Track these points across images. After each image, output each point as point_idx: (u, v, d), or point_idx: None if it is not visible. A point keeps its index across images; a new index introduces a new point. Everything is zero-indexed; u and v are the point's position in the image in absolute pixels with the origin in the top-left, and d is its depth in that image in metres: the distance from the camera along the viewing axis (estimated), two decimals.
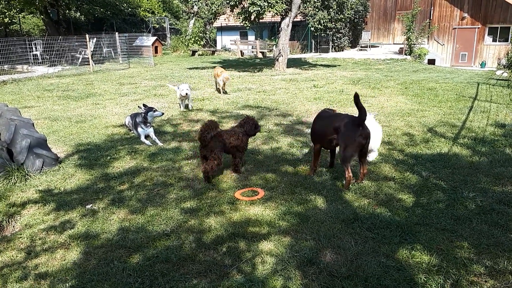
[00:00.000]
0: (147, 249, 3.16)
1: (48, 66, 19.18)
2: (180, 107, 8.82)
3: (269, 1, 14.75)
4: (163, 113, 6.55)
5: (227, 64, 21.31)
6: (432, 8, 25.36)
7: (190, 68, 18.69)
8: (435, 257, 2.92)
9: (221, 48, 31.86)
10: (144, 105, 6.48)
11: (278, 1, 15.24)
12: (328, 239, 3.19)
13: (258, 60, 24.40)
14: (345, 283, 2.65)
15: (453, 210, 3.69)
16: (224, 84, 10.75)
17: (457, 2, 24.49)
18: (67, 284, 2.74)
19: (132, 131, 6.72)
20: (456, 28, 24.76)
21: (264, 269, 2.84)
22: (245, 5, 15.87)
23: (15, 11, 22.67)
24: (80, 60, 20.14)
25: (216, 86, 11.21)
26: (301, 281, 2.69)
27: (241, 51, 28.33)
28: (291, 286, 2.64)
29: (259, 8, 14.76)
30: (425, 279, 2.67)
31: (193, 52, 27.32)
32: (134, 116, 6.62)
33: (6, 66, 17.70)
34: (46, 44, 20.54)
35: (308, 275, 2.75)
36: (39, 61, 20.61)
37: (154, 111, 6.37)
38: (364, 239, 3.19)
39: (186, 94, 8.33)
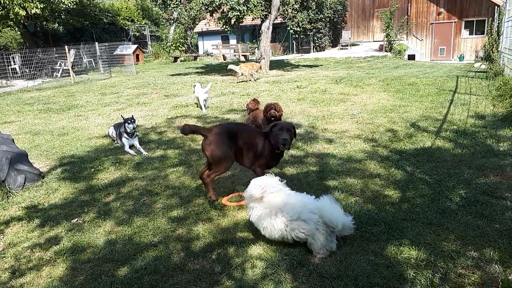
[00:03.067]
0: (135, 261, 3.12)
1: (28, 80, 18.87)
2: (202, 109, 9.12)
3: (248, 5, 14.79)
4: (134, 127, 6.23)
5: (209, 69, 21.28)
6: (409, 4, 25.75)
7: (172, 75, 18.61)
8: (423, 251, 2.94)
9: (203, 53, 31.83)
10: (121, 116, 6.42)
11: (257, 5, 15.29)
12: None
13: (241, 63, 24.42)
14: (335, 283, 2.65)
15: (438, 203, 3.73)
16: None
17: None
18: None
19: (116, 141, 6.64)
20: (433, 23, 25.19)
21: (254, 274, 2.82)
22: (225, 10, 15.89)
23: None
24: (60, 72, 19.90)
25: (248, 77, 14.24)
26: (292, 284, 2.68)
27: (223, 55, 28.34)
28: None
29: (238, 13, 14.79)
30: (414, 275, 2.69)
31: (175, 59, 27.22)
32: (117, 126, 6.55)
33: None
34: (24, 57, 20.23)
35: (299, 277, 2.75)
36: (17, 74, 20.27)
37: (130, 122, 6.21)
38: (352, 238, 3.20)
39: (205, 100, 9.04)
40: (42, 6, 19.34)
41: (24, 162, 5.06)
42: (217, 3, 14.87)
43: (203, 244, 3.30)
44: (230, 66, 14.46)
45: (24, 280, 3.01)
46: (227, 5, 14.90)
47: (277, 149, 3.92)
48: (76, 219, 3.98)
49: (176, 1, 15.91)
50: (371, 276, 2.70)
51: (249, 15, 15.41)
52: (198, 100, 9.35)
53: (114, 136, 6.65)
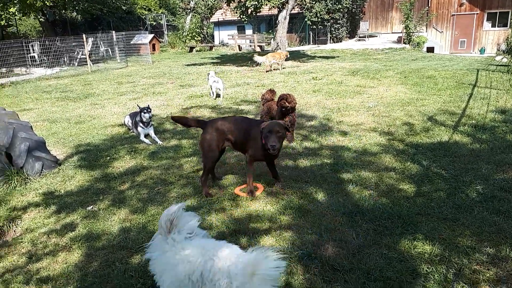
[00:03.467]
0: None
1: (46, 68, 19.15)
2: (212, 95, 9.44)
3: None
4: (150, 117, 6.29)
5: (225, 59, 21.23)
6: None
7: (188, 65, 18.63)
8: (437, 246, 2.90)
9: (219, 43, 31.75)
10: (137, 105, 6.48)
11: None
12: (329, 232, 3.18)
13: (257, 54, 24.29)
14: (347, 276, 2.64)
15: (454, 198, 3.67)
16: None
17: None
18: (70, 287, 2.74)
19: (131, 130, 6.70)
20: (454, 14, 24.57)
21: None
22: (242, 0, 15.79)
23: (14, 11, 22.56)
24: (77, 60, 20.11)
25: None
26: (303, 276, 2.68)
27: (239, 46, 28.21)
28: (294, 281, 2.63)
29: (256, 2, 14.68)
30: (427, 270, 2.66)
31: (191, 48, 27.22)
32: (133, 115, 6.60)
33: (4, 69, 17.69)
34: (43, 46, 20.51)
35: (311, 269, 2.74)
36: (36, 63, 20.59)
37: (146, 112, 6.25)
38: (365, 231, 3.18)
39: (219, 89, 9.25)
40: None
41: (41, 149, 5.15)
42: None
43: (215, 233, 3.31)
44: (256, 58, 14.42)
45: (41, 265, 3.08)
46: None
47: (267, 150, 3.78)
48: (92, 207, 4.05)
49: None
50: (384, 270, 2.68)
51: (267, 4, 15.27)
52: (211, 88, 9.40)
53: (130, 125, 6.71)
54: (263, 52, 24.44)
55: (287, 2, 16.40)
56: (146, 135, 6.31)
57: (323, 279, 2.65)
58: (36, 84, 14.46)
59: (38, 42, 21.53)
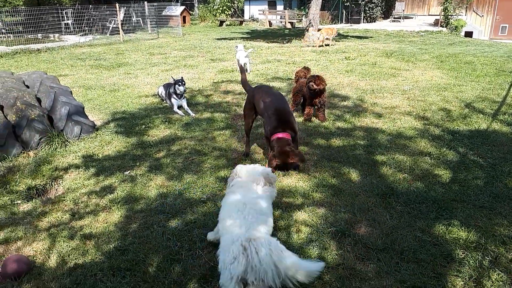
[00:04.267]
0: (185, 214, 3.26)
1: (80, 35, 19.46)
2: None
3: None
4: (184, 89, 6.35)
5: (255, 35, 21.02)
6: None
7: (218, 39, 18.55)
8: (473, 233, 2.89)
9: (249, 18, 31.37)
10: (172, 77, 6.56)
11: None
12: (363, 212, 3.20)
13: (287, 30, 23.91)
14: (380, 255, 2.67)
15: (492, 187, 3.61)
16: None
17: None
18: (111, 246, 2.88)
19: (165, 101, 6.81)
20: None
21: (299, 238, 2.89)
22: None
23: None
24: (110, 29, 20.31)
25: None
26: (337, 252, 2.73)
27: (269, 22, 27.81)
28: (327, 256, 2.68)
29: None
30: (462, 255, 2.66)
31: (221, 22, 27.02)
32: (167, 87, 6.69)
33: (39, 35, 18.08)
34: (77, 13, 20.78)
35: (343, 246, 2.79)
36: (70, 30, 20.92)
37: (180, 84, 6.32)
38: (399, 214, 3.19)
39: (245, 63, 9.15)
40: None
41: (80, 114, 5.31)
42: None
43: None
44: (311, 32, 14.98)
45: (83, 222, 3.23)
46: None
47: None
48: (129, 171, 4.18)
49: None
50: (418, 252, 2.69)
51: None
52: (238, 62, 9.39)
53: (164, 96, 6.81)
54: (300, 28, 24.09)
55: None
56: (179, 107, 6.40)
57: (356, 256, 2.69)
58: (70, 51, 14.74)
59: (72, 9, 21.83)
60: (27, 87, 5.18)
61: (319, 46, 14.50)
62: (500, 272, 2.50)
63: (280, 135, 3.84)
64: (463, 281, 2.44)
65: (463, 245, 2.77)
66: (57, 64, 11.66)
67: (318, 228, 3.00)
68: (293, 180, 3.83)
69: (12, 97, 4.76)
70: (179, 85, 6.30)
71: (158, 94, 7.10)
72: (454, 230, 2.94)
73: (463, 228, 2.96)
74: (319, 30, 15.29)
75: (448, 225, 3.00)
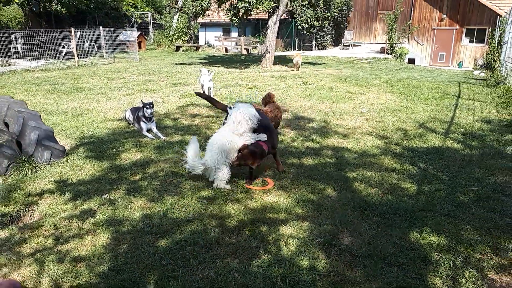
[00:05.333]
0: (173, 234, 3.32)
1: (31, 60, 18.80)
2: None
3: None
4: (152, 112, 6.36)
5: (213, 60, 21.38)
6: (412, 9, 26.06)
7: (177, 64, 18.67)
8: (443, 238, 3.19)
9: (205, 44, 31.85)
10: (141, 100, 6.59)
11: None
12: (343, 224, 3.42)
13: (244, 57, 24.54)
14: (366, 261, 2.88)
15: (453, 197, 3.98)
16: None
17: (437, 3, 25.26)
18: (104, 267, 2.88)
19: (132, 125, 6.79)
20: (435, 29, 25.54)
21: (289, 250, 3.04)
22: (234, 2, 16.00)
23: None
24: (63, 54, 19.82)
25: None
26: (326, 260, 2.91)
27: (225, 48, 28.41)
28: (317, 265, 2.85)
29: (247, 5, 14.92)
30: (437, 257, 2.93)
31: (177, 48, 27.23)
32: (135, 110, 6.70)
33: None
34: (27, 37, 20.12)
35: (331, 255, 2.97)
36: (19, 54, 20.17)
37: (148, 107, 6.34)
38: (376, 224, 3.44)
39: (209, 87, 9.35)
40: None
41: (50, 138, 5.20)
42: None
43: (236, 221, 3.50)
44: (292, 56, 16.83)
45: (69, 246, 3.19)
46: None
47: None
48: (107, 195, 4.16)
49: None
50: (398, 257, 2.93)
51: (258, 8, 15.55)
52: (202, 87, 9.56)
53: (131, 119, 6.80)
54: (256, 55, 24.74)
55: (278, 8, 16.73)
56: (148, 130, 6.42)
57: (344, 263, 2.88)
58: (22, 76, 14.22)
59: (22, 33, 21.12)
60: None
61: (297, 69, 16.14)
62: (472, 270, 2.79)
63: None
64: (441, 279, 2.70)
65: (436, 248, 3.06)
66: (10, 89, 11.21)
67: (305, 240, 3.17)
68: (274, 197, 4.00)
69: None
70: (147, 108, 6.34)
71: (125, 118, 7.07)
72: (427, 236, 3.22)
73: (434, 234, 3.26)
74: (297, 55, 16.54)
75: (421, 232, 3.29)
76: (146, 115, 6.35)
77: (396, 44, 23.52)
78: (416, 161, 5.02)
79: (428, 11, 25.65)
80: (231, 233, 3.31)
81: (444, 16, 25.06)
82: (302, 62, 17.60)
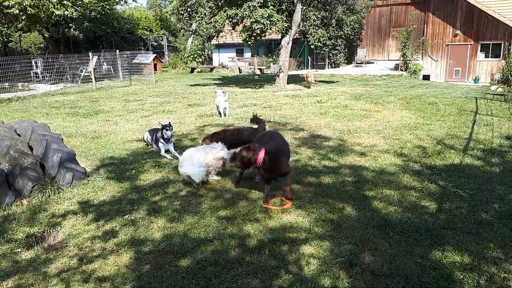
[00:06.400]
0: (194, 253, 3.35)
1: (50, 84, 19.37)
2: (220, 115, 9.76)
3: (272, 19, 15.19)
4: (171, 134, 6.51)
5: (227, 81, 21.68)
6: (425, 25, 26.10)
7: (192, 85, 18.99)
8: (466, 257, 3.15)
9: (219, 65, 32.36)
10: (159, 122, 6.74)
11: (280, 19, 15.70)
12: (364, 243, 3.41)
13: (257, 76, 24.83)
14: (388, 280, 2.86)
15: (474, 215, 3.93)
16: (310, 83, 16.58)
17: (450, 19, 25.27)
18: (128, 286, 2.92)
19: (151, 146, 6.92)
20: (449, 44, 25.48)
21: (310, 270, 3.04)
22: (247, 23, 16.31)
23: (16, 29, 23.02)
24: (81, 77, 20.39)
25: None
26: (347, 280, 2.90)
27: (239, 68, 28.80)
28: (339, 284, 2.85)
29: (262, 26, 15.18)
30: (461, 276, 2.89)
31: (192, 69, 27.72)
32: (153, 132, 6.83)
33: (6, 84, 17.88)
34: (46, 62, 20.80)
35: (353, 275, 2.96)
36: (39, 78, 20.82)
37: (168, 129, 6.48)
38: (397, 242, 3.42)
39: (225, 108, 9.62)
40: (73, 10, 20.08)
41: (72, 160, 5.34)
42: (241, 15, 15.29)
43: (255, 241, 3.52)
44: (307, 75, 17.13)
45: (93, 266, 3.25)
46: (250, 18, 15.31)
47: None
48: (128, 216, 4.23)
49: (201, 13, 16.35)
50: (421, 276, 2.91)
51: (271, 28, 15.81)
52: (218, 108, 9.71)
53: (149, 140, 6.93)
54: (269, 74, 25.00)
55: (291, 28, 16.98)
56: (167, 151, 6.53)
57: (365, 283, 2.86)
58: (43, 100, 14.64)
59: (42, 59, 21.84)
60: (19, 135, 5.21)
61: (310, 87, 16.59)
62: None
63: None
64: None
65: (459, 267, 3.02)
66: (31, 113, 11.55)
67: (326, 260, 3.17)
68: (293, 217, 4.02)
69: (5, 145, 4.77)
70: (167, 130, 6.46)
71: (144, 139, 7.21)
72: (449, 255, 3.19)
73: (456, 252, 3.22)
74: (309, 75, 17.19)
75: (443, 250, 3.26)
76: (165, 136, 6.46)
77: (410, 60, 23.52)
78: (435, 178, 4.98)
79: (442, 27, 25.65)
80: (251, 253, 3.33)
81: (458, 31, 25.02)
82: (315, 80, 17.77)
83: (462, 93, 14.68)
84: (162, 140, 6.50)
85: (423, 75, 23.77)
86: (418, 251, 3.26)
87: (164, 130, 6.47)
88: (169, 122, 6.69)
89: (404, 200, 4.34)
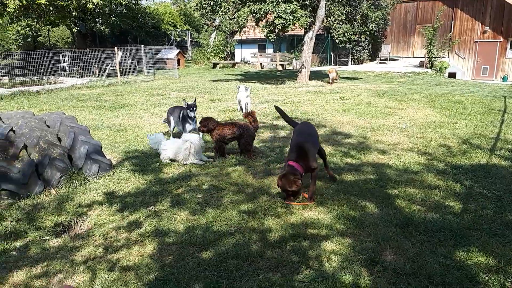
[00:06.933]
0: (216, 246, 3.40)
1: (77, 78, 19.84)
2: (242, 111, 9.69)
3: (295, 14, 15.11)
4: (195, 116, 6.75)
5: (249, 77, 21.71)
6: (453, 21, 25.47)
7: (214, 81, 19.11)
8: (492, 258, 3.09)
9: (241, 61, 32.42)
10: (184, 100, 7.03)
11: (303, 15, 15.60)
12: (386, 241, 3.38)
13: (279, 72, 24.76)
14: (410, 279, 2.84)
15: (501, 216, 3.84)
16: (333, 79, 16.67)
17: (479, 16, 24.58)
18: (151, 276, 2.99)
19: (174, 127, 7.08)
20: (477, 41, 24.80)
21: (331, 266, 3.05)
22: (270, 19, 16.28)
23: (46, 24, 23.64)
24: (107, 71, 20.80)
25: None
26: (369, 277, 2.89)
27: (261, 64, 28.79)
28: (360, 281, 2.84)
29: (284, 21, 15.12)
30: (486, 278, 2.84)
31: (214, 65, 27.88)
32: (177, 110, 7.06)
33: (35, 77, 18.43)
34: (73, 56, 21.31)
35: (374, 272, 2.95)
36: (66, 72, 21.35)
37: (191, 110, 6.66)
38: (420, 242, 3.38)
39: (247, 103, 9.61)
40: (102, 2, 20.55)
41: (98, 152, 5.47)
42: (264, 10, 15.26)
43: (276, 236, 3.54)
44: (328, 71, 17.42)
45: (118, 256, 3.34)
46: (273, 13, 15.26)
47: None
48: (152, 207, 4.32)
49: (225, 8, 16.41)
50: (444, 276, 2.87)
51: (295, 24, 15.72)
52: (240, 103, 9.76)
53: (173, 120, 7.10)
54: (291, 71, 24.92)
55: (314, 23, 16.85)
56: (191, 131, 6.66)
57: (387, 281, 2.85)
58: (69, 93, 15.01)
59: (69, 53, 22.39)
60: (48, 127, 5.37)
61: (332, 83, 16.83)
62: None
63: (291, 162, 4.24)
64: None
65: (484, 269, 2.96)
66: (59, 105, 11.87)
67: (347, 257, 3.16)
68: (314, 213, 4.02)
69: (35, 136, 4.93)
70: (191, 110, 6.60)
71: (168, 120, 7.32)
72: (474, 256, 3.13)
73: (481, 253, 3.16)
74: (332, 70, 17.33)
75: (467, 251, 3.20)
76: (190, 115, 6.60)
77: (435, 58, 22.98)
78: (460, 178, 4.88)
79: (470, 24, 24.98)
80: (272, 247, 3.35)
81: (487, 28, 24.31)
82: (338, 77, 17.61)
83: (490, 91, 14.27)
84: (189, 120, 6.64)
85: (449, 73, 23.22)
86: (442, 251, 3.21)
87: (188, 110, 6.61)
88: (195, 100, 6.83)
89: (428, 199, 4.27)
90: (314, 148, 4.55)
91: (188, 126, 6.62)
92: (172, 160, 5.87)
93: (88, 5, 19.85)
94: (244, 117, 6.28)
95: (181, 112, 6.85)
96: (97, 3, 20.37)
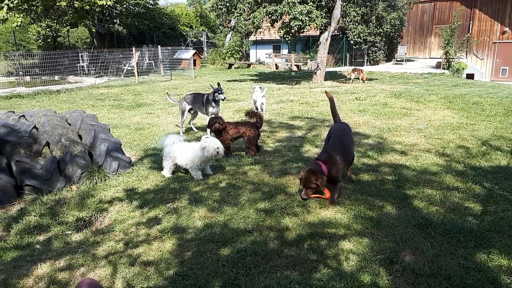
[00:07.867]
0: (234, 243, 3.43)
1: (96, 77, 20.17)
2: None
3: (311, 15, 15.09)
4: (224, 97, 7.11)
5: (264, 77, 21.74)
6: (471, 22, 25.08)
7: (229, 81, 19.19)
8: None
9: (256, 61, 32.48)
10: (211, 85, 7.32)
11: (319, 16, 15.56)
12: (405, 242, 3.37)
13: (294, 73, 24.72)
14: (430, 280, 2.83)
15: None
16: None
17: (498, 16, 24.15)
18: (171, 271, 3.04)
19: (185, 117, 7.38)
20: (496, 42, 24.36)
21: (349, 265, 3.05)
22: (286, 20, 16.28)
23: (65, 24, 24.09)
24: (125, 71, 21.08)
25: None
26: (387, 277, 2.89)
27: (276, 64, 28.79)
28: (379, 281, 2.84)
29: (300, 23, 15.11)
30: (508, 280, 2.81)
31: (230, 65, 28.00)
32: (196, 96, 7.39)
33: (57, 76, 18.83)
34: (92, 56, 21.66)
35: (393, 272, 2.94)
36: (85, 72, 21.72)
37: (220, 93, 6.99)
38: (439, 243, 3.35)
39: (262, 103, 9.85)
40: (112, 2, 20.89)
41: (118, 150, 5.57)
42: (280, 12, 15.27)
43: (294, 234, 3.56)
44: (345, 72, 17.77)
45: (138, 251, 3.40)
46: (289, 14, 15.26)
47: None
48: (170, 204, 4.38)
49: (240, 9, 16.47)
50: (464, 278, 2.84)
51: (310, 25, 15.69)
52: (255, 103, 9.81)
53: (187, 108, 7.50)
54: (306, 71, 24.89)
55: (330, 24, 16.79)
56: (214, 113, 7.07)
57: (406, 281, 2.84)
58: (88, 92, 15.28)
59: (88, 53, 22.77)
60: (69, 124, 5.49)
61: (351, 82, 17.28)
62: None
63: (320, 162, 4.27)
64: None
65: (506, 271, 2.93)
66: (78, 104, 12.09)
67: (366, 256, 3.16)
68: (331, 212, 4.02)
69: (57, 134, 5.05)
70: (219, 93, 6.84)
71: (182, 107, 7.67)
72: (495, 258, 3.10)
73: (503, 256, 3.12)
74: (354, 70, 17.59)
75: (488, 253, 3.17)
76: (217, 99, 7.00)
77: (453, 58, 22.66)
78: (480, 180, 4.82)
79: (489, 24, 24.56)
80: (290, 246, 3.37)
81: (507, 29, 23.87)
82: (354, 78, 17.53)
83: (509, 93, 13.99)
84: (213, 103, 6.86)
85: (467, 74, 22.86)
86: (462, 253, 3.19)
87: (216, 94, 6.81)
88: (218, 84, 7.07)
89: (447, 201, 4.23)
90: (344, 161, 4.60)
91: (212, 109, 6.84)
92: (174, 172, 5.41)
93: (98, 2, 20.20)
94: (248, 116, 6.30)
95: (206, 95, 7.10)
96: (109, 3, 20.71)
